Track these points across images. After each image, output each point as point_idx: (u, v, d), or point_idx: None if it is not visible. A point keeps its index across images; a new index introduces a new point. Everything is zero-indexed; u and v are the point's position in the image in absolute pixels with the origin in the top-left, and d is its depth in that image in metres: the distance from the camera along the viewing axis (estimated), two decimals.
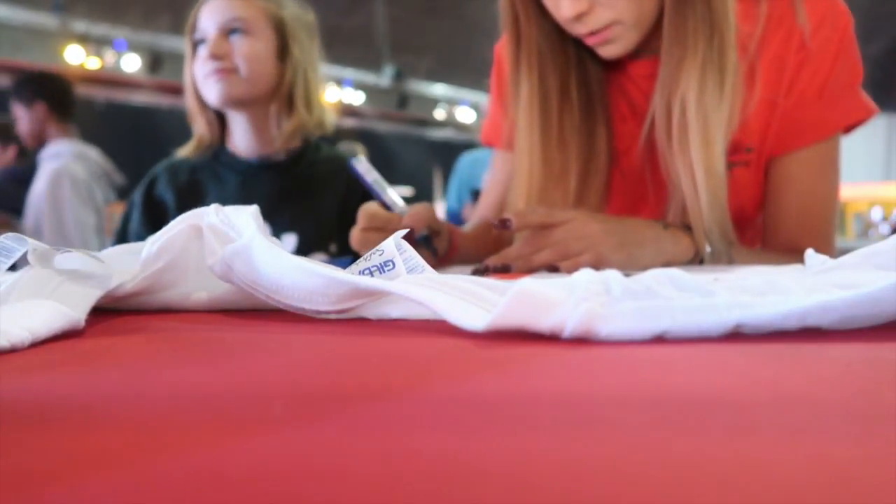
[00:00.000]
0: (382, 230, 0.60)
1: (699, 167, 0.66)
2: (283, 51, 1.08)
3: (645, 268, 0.60)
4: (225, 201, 0.36)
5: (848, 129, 0.74)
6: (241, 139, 1.10)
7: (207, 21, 1.03)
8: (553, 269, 0.56)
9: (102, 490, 0.11)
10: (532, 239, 0.57)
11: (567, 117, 0.74)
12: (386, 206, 0.63)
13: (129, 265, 0.34)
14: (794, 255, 0.73)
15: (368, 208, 0.61)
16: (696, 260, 0.65)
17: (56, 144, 2.08)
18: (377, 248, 0.31)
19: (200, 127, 1.09)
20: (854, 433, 0.14)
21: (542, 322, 0.23)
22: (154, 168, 1.15)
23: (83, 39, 5.46)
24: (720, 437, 0.13)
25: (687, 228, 0.66)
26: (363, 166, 0.62)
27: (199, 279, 0.34)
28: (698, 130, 0.65)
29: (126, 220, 1.11)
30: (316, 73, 1.10)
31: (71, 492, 0.11)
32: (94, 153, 2.15)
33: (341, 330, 0.28)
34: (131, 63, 5.69)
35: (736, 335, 0.23)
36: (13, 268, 0.31)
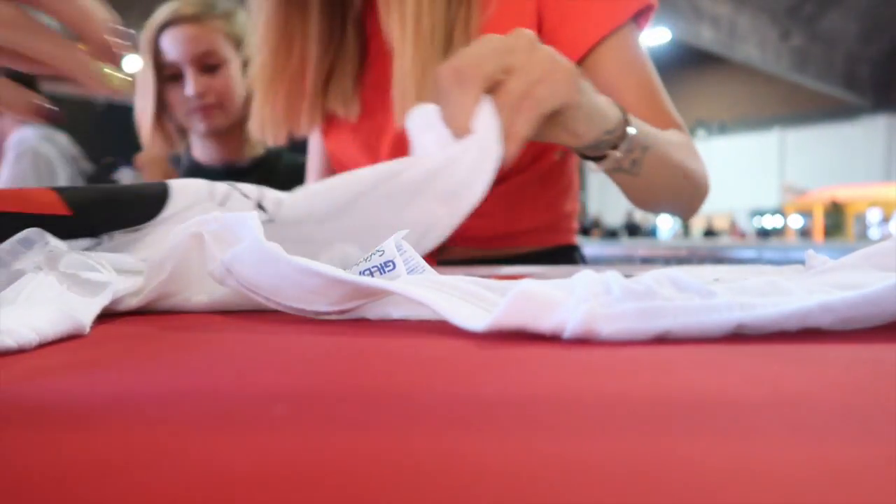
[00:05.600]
0: None
1: (396, 32, 0.65)
2: (245, 66, 1.17)
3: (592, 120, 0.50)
4: None
5: (639, 20, 0.71)
6: (206, 149, 1.19)
7: (176, 51, 1.11)
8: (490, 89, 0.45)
9: (102, 491, 0.11)
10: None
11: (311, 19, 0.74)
12: None
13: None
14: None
15: None
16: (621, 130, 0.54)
17: (19, 132, 2.06)
18: (377, 248, 0.31)
19: (155, 140, 1.18)
20: (855, 433, 0.14)
21: (543, 322, 0.23)
22: (116, 173, 1.25)
23: None
24: (721, 437, 0.13)
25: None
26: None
27: (200, 284, 0.34)
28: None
29: None
30: None
31: (70, 493, 0.11)
32: (61, 136, 2.15)
33: (341, 330, 0.28)
34: (131, 63, 5.69)
35: (737, 336, 0.23)
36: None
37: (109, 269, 0.33)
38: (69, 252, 0.32)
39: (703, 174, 0.70)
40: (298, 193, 0.38)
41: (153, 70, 1.12)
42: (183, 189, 0.39)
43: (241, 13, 1.21)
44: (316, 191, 0.38)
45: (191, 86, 1.11)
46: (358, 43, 0.77)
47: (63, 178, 2.12)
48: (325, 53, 0.75)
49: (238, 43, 1.17)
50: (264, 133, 0.78)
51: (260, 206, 0.37)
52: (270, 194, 0.39)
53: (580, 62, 0.70)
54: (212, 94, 1.13)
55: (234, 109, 1.15)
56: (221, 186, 0.39)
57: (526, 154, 0.76)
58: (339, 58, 0.76)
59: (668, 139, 0.63)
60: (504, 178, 0.76)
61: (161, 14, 1.13)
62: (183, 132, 1.21)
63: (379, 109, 0.78)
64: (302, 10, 0.74)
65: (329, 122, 0.82)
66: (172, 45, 1.11)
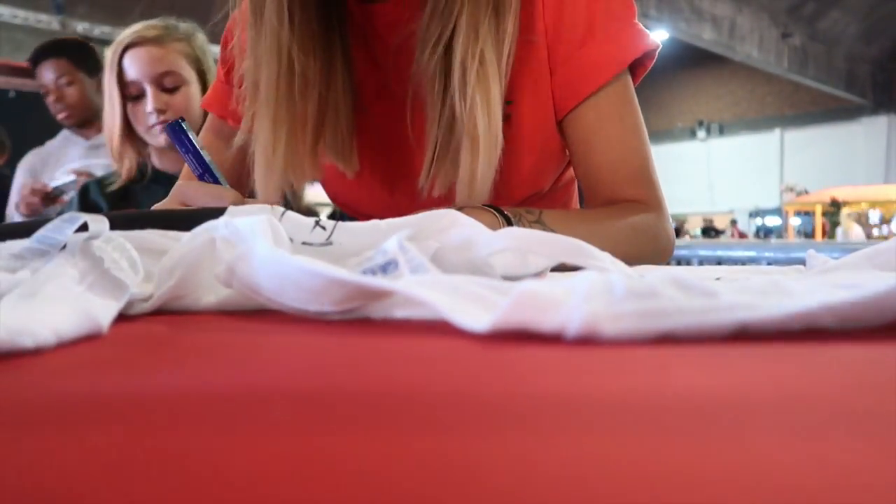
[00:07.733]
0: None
1: (482, 124, 0.60)
2: (204, 84, 1.28)
3: None
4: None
5: (634, 69, 0.69)
6: (165, 161, 1.30)
7: (137, 71, 1.22)
8: None
9: (107, 490, 0.11)
10: None
11: (309, 67, 0.66)
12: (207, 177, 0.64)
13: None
14: (617, 208, 0.67)
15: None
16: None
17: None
18: (380, 247, 0.31)
19: (129, 158, 1.30)
20: (857, 434, 0.14)
21: (545, 323, 0.23)
22: (83, 183, 1.41)
23: (83, 40, 5.46)
24: (723, 437, 0.13)
25: (488, 206, 0.59)
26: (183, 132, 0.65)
27: (209, 286, 0.35)
28: (478, 80, 0.60)
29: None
30: None
31: (76, 492, 0.11)
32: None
33: (343, 330, 0.28)
34: None
35: (740, 335, 0.23)
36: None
37: (132, 256, 0.33)
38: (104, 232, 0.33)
39: (650, 252, 0.67)
40: (360, 225, 0.38)
41: (117, 88, 1.23)
42: (242, 206, 0.39)
43: (199, 35, 1.30)
44: (378, 227, 0.37)
45: (150, 102, 1.22)
46: (350, 86, 0.70)
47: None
48: (321, 99, 0.67)
49: (197, 64, 1.27)
50: (268, 190, 0.68)
51: (318, 224, 0.37)
52: (324, 217, 0.39)
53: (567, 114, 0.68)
54: (171, 111, 1.22)
55: (194, 124, 1.30)
56: (279, 207, 0.39)
57: (546, 180, 0.76)
58: (329, 104, 0.68)
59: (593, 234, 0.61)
60: (524, 198, 0.76)
61: (124, 35, 1.22)
62: (145, 143, 1.32)
63: (381, 162, 0.73)
64: (311, 53, 0.66)
65: (325, 169, 0.74)
66: (134, 65, 1.21)
